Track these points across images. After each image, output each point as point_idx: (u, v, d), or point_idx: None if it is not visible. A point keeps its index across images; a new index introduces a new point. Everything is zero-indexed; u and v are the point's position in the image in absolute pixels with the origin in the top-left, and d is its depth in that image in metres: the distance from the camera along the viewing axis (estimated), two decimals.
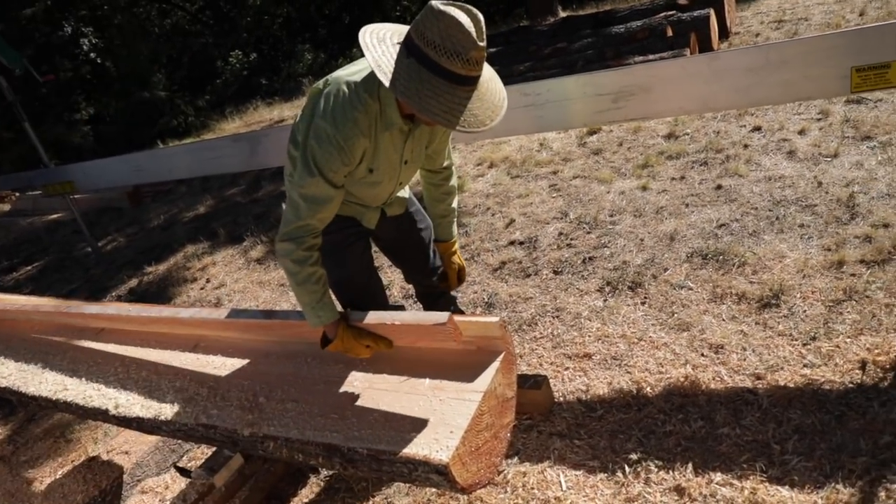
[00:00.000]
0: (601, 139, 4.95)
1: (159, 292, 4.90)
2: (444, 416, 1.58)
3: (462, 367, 1.71)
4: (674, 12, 7.07)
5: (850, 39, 2.26)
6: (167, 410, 2.06)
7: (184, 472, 2.13)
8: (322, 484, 2.33)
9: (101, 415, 2.23)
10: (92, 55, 20.40)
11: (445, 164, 2.08)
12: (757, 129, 4.23)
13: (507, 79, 6.21)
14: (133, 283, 5.33)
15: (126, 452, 2.72)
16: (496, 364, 1.68)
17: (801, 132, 3.96)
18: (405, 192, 2.16)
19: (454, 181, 2.16)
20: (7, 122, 15.69)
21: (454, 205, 2.18)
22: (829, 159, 3.52)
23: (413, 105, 1.46)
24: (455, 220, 2.21)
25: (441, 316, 1.59)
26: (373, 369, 1.86)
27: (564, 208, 3.91)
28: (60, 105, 19.65)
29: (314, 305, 1.74)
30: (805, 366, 2.14)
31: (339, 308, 1.82)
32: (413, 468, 1.50)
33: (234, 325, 2.17)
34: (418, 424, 1.59)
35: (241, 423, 1.85)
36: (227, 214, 6.37)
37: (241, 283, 4.49)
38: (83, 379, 2.43)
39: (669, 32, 6.58)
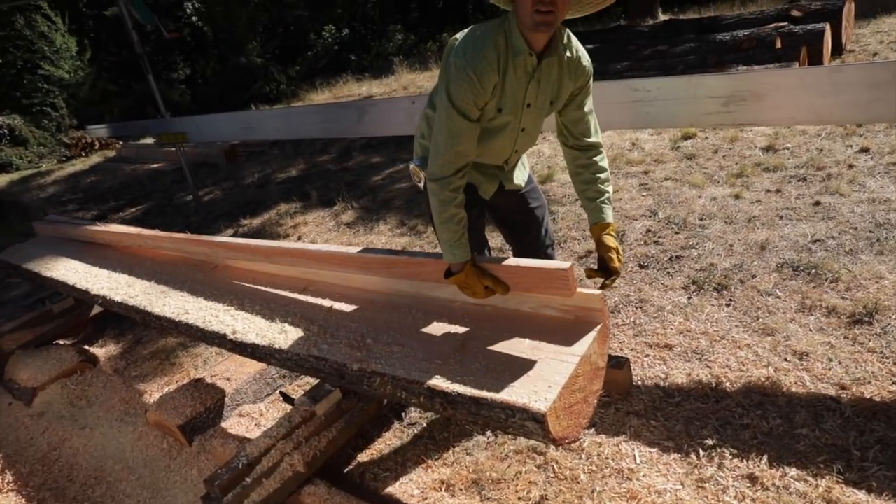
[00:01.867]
0: (696, 145, 4.93)
1: None
2: (543, 372, 1.72)
3: (561, 331, 1.83)
4: (785, 23, 6.89)
5: None
6: (280, 340, 2.27)
7: (288, 398, 2.36)
8: (405, 430, 2.52)
9: (219, 339, 2.47)
10: (194, 18, 21.39)
11: (592, 139, 2.01)
12: (864, 150, 4.14)
13: (604, 76, 6.22)
14: (229, 232, 5.69)
15: (227, 379, 2.98)
16: (593, 333, 1.80)
17: None
18: (523, 168, 2.26)
19: (604, 163, 2.04)
20: (125, 73, 16.72)
21: (608, 187, 2.02)
22: None
23: None
24: (610, 203, 2.02)
25: (562, 264, 1.73)
26: (474, 325, 2.01)
27: (654, 207, 3.96)
28: (161, 63, 20.72)
29: (452, 243, 1.89)
30: (895, 383, 2.16)
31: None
32: (511, 414, 1.64)
33: (358, 261, 2.32)
34: (518, 376, 1.72)
35: (350, 359, 2.04)
36: (318, 179, 6.67)
37: (331, 244, 4.74)
38: (202, 306, 2.69)
39: (778, 44, 6.44)
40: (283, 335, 2.31)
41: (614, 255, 1.95)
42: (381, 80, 12.21)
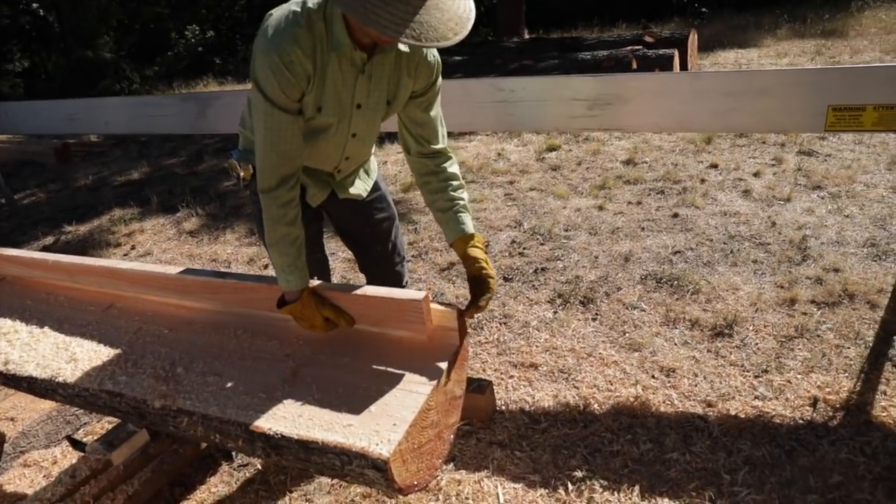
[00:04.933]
0: (560, 156, 4.92)
1: (77, 253, 4.48)
2: (388, 407, 1.42)
3: (411, 355, 1.55)
4: (640, 47, 7.22)
5: (830, 77, 2.25)
6: (67, 371, 1.80)
7: (77, 444, 1.88)
8: (235, 473, 2.11)
9: None
10: (34, 5, 19.26)
11: (439, 146, 1.70)
12: (714, 166, 4.28)
13: None
14: (48, 240, 4.91)
15: (12, 419, 2.41)
16: (449, 357, 1.53)
17: (756, 174, 4.02)
18: (366, 176, 1.94)
19: (454, 169, 1.72)
20: None
21: (462, 194, 1.70)
22: (782, 202, 3.57)
23: (357, 16, 1.21)
24: (468, 212, 1.69)
25: (416, 293, 1.44)
26: (310, 349, 1.67)
27: (519, 218, 3.82)
28: None
29: (285, 268, 1.56)
30: (756, 397, 2.09)
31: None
32: (347, 461, 1.33)
33: (177, 283, 1.93)
34: (357, 412, 1.41)
35: (152, 394, 1.62)
36: (162, 183, 5.99)
37: (169, 254, 4.18)
38: None
39: (634, 66, 6.70)
40: (72, 365, 1.84)
41: (486, 268, 1.60)
42: (246, 84, 11.48)
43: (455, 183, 1.70)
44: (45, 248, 4.71)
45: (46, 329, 2.06)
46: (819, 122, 2.30)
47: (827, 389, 2.08)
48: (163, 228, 4.71)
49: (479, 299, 1.58)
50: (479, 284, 1.59)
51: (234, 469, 2.14)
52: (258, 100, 1.46)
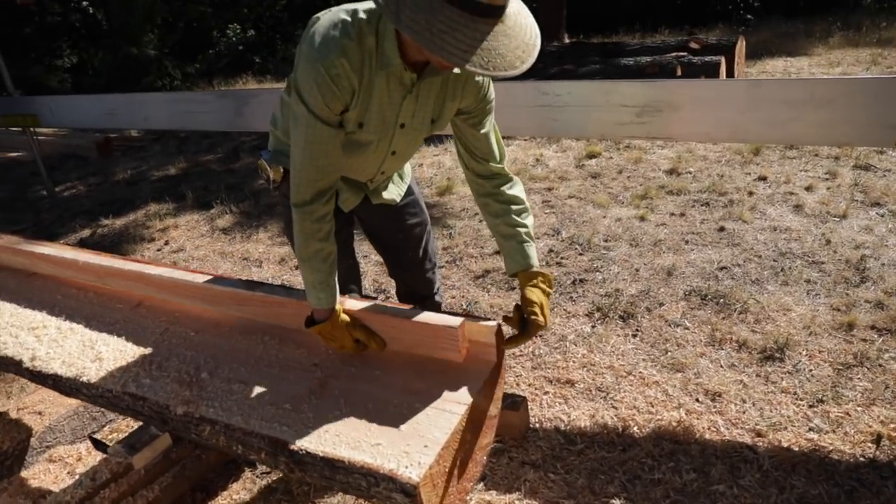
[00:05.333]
0: (600, 164, 4.78)
1: (112, 247, 4.53)
2: (419, 427, 1.33)
3: (446, 371, 1.46)
4: (685, 54, 7.02)
5: None
6: (92, 371, 1.76)
7: (100, 445, 1.84)
8: (258, 481, 2.05)
9: (14, 366, 1.92)
10: (84, 3, 19.75)
11: (496, 165, 1.60)
12: (762, 178, 4.10)
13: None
14: (85, 233, 4.96)
15: (39, 413, 2.40)
16: (485, 375, 1.44)
17: (809, 188, 3.84)
18: (400, 181, 1.87)
19: (517, 191, 1.62)
20: None
21: (526, 220, 1.59)
22: (837, 219, 3.39)
23: (421, 41, 1.11)
24: (532, 242, 1.58)
25: (452, 319, 1.36)
26: (340, 359, 1.60)
27: (557, 226, 3.71)
28: (43, 48, 18.92)
29: (316, 285, 1.49)
30: (811, 429, 1.95)
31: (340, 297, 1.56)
32: (374, 483, 1.25)
33: (205, 293, 1.89)
34: (387, 432, 1.33)
35: (175, 399, 1.57)
36: (198, 179, 6.02)
37: (202, 251, 4.17)
38: (2, 322, 2.11)
39: (679, 72, 6.51)
40: (97, 364, 1.80)
41: (538, 313, 1.50)
42: (284, 83, 11.57)
43: (516, 207, 1.60)
44: (82, 241, 4.76)
45: (74, 325, 2.04)
46: (888, 135, 2.15)
47: (892, 425, 1.92)
48: (196, 225, 4.72)
49: (517, 341, 1.52)
50: (524, 327, 1.52)
51: (258, 476, 2.08)
52: (300, 110, 1.38)
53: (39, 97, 4.90)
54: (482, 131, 1.57)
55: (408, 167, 1.91)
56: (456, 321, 1.41)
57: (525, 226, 1.59)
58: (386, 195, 1.82)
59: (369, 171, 1.69)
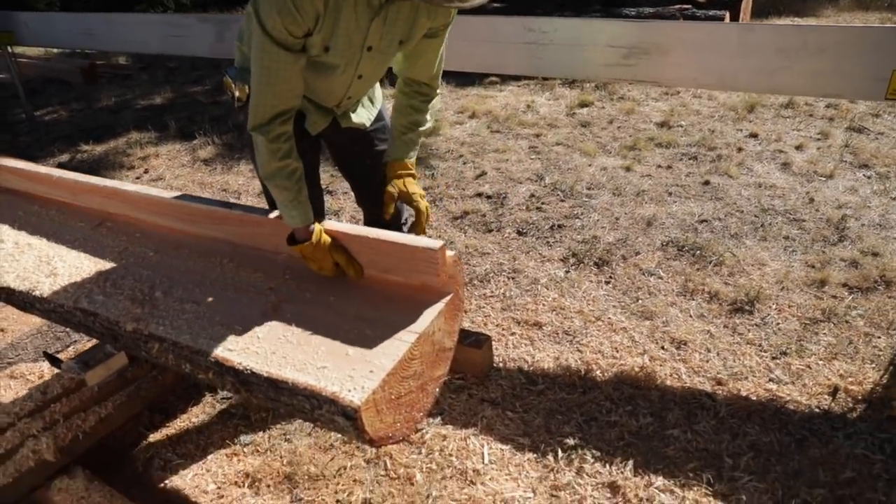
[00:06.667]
0: (591, 113, 4.68)
1: (90, 172, 4.38)
2: (367, 353, 1.31)
3: (400, 300, 1.44)
4: (689, 7, 6.83)
5: None
6: (45, 286, 1.72)
7: (55, 361, 1.81)
8: (217, 405, 2.05)
9: None
10: None
11: (429, 80, 1.66)
12: (753, 135, 4.03)
13: None
14: (64, 157, 4.85)
15: (1, 330, 2.37)
16: (440, 306, 1.41)
17: (799, 147, 3.78)
18: (370, 105, 1.82)
19: (434, 103, 1.71)
20: None
21: (422, 127, 1.70)
22: (823, 179, 3.34)
23: None
24: (417, 145, 1.70)
25: (431, 242, 1.34)
26: (296, 284, 1.57)
27: (541, 171, 3.65)
28: None
29: (286, 204, 1.47)
30: (771, 380, 1.95)
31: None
32: (317, 405, 1.23)
33: (180, 210, 1.84)
34: (334, 356, 1.31)
35: (126, 316, 1.54)
36: (183, 109, 5.88)
37: (181, 180, 4.10)
38: None
39: None
40: (51, 279, 1.77)
41: (419, 199, 1.65)
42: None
43: (421, 115, 1.67)
44: (60, 165, 4.65)
45: (33, 241, 1.99)
46: (879, 88, 2.08)
47: (849, 379, 1.92)
48: (178, 154, 4.62)
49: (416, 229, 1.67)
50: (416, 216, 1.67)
51: (217, 401, 2.08)
52: (257, 33, 1.32)
53: (15, 12, 4.71)
54: (435, 42, 1.57)
55: (379, 93, 1.86)
56: (436, 243, 1.37)
57: (420, 132, 1.69)
58: (355, 119, 1.76)
59: (336, 95, 1.65)
